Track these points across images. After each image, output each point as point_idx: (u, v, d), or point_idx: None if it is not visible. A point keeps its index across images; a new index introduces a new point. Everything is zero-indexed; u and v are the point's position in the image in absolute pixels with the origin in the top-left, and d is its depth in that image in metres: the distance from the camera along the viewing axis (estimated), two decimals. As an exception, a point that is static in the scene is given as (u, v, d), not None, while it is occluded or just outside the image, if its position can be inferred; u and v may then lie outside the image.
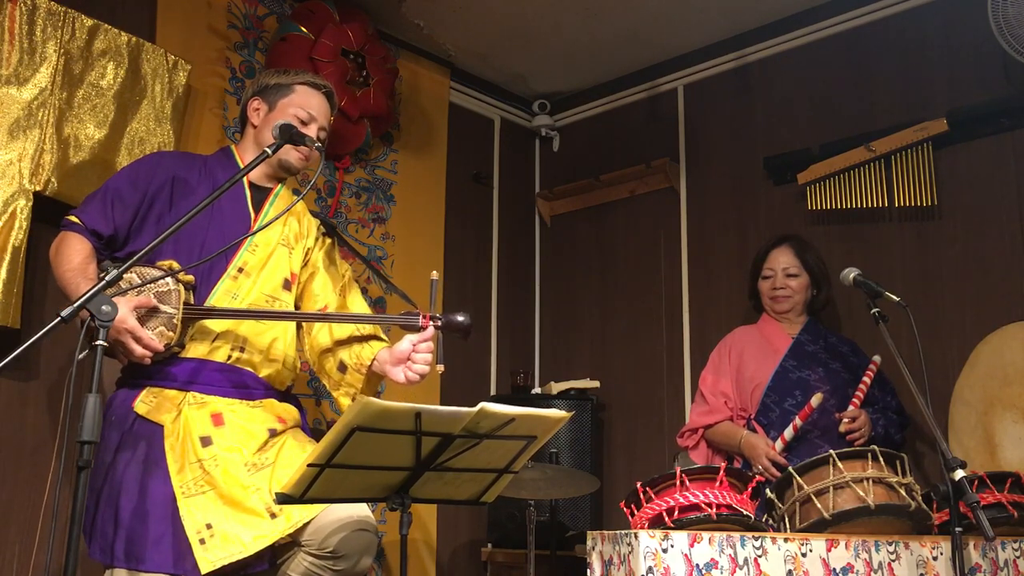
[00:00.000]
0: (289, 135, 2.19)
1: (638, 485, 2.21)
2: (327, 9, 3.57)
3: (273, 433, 2.21)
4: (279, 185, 2.48)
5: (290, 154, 2.41)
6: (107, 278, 1.75)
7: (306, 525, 2.07)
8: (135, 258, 1.84)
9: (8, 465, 2.81)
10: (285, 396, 2.39)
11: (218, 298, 2.26)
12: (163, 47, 3.17)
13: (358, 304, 2.50)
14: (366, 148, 3.88)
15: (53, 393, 2.90)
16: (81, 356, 1.72)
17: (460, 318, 2.26)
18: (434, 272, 2.27)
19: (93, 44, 2.96)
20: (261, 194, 2.44)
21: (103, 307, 1.71)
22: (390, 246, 3.97)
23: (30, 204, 2.77)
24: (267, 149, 2.14)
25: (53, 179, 2.82)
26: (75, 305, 1.68)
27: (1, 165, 2.74)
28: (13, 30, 2.80)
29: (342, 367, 2.35)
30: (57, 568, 2.08)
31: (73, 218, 2.27)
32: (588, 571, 2.03)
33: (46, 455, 2.87)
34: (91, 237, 2.25)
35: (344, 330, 2.37)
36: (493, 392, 4.34)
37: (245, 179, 2.39)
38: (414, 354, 2.23)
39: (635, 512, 2.22)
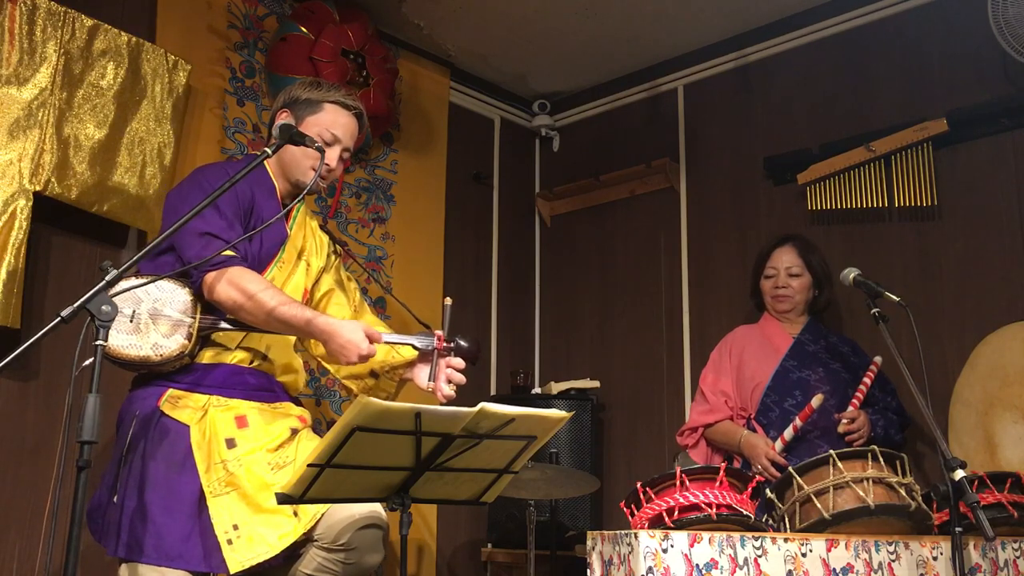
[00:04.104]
0: (289, 135, 2.17)
1: (638, 485, 2.21)
2: (327, 9, 3.57)
3: (294, 432, 2.23)
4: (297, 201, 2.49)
5: (303, 171, 2.36)
6: (107, 278, 1.74)
7: (319, 521, 2.08)
8: (136, 257, 1.84)
9: (8, 465, 2.81)
10: (295, 400, 2.42)
11: None
12: (163, 47, 3.17)
13: (372, 320, 2.54)
14: (366, 148, 3.88)
15: (53, 393, 2.90)
16: (87, 363, 1.71)
17: (473, 346, 2.33)
18: (448, 299, 2.34)
19: (93, 44, 2.96)
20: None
21: (103, 307, 1.71)
22: (390, 246, 3.97)
23: (30, 204, 2.77)
24: (267, 149, 2.12)
25: (53, 179, 2.82)
26: (75, 305, 1.68)
27: (1, 165, 2.74)
28: (13, 30, 2.80)
29: (373, 373, 2.44)
30: (57, 568, 2.08)
31: (228, 252, 2.13)
32: (588, 571, 2.03)
33: (46, 455, 2.87)
34: (242, 259, 2.20)
35: None
36: (493, 392, 4.34)
37: (278, 196, 2.39)
38: (452, 373, 2.31)
39: (635, 512, 2.22)
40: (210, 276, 2.13)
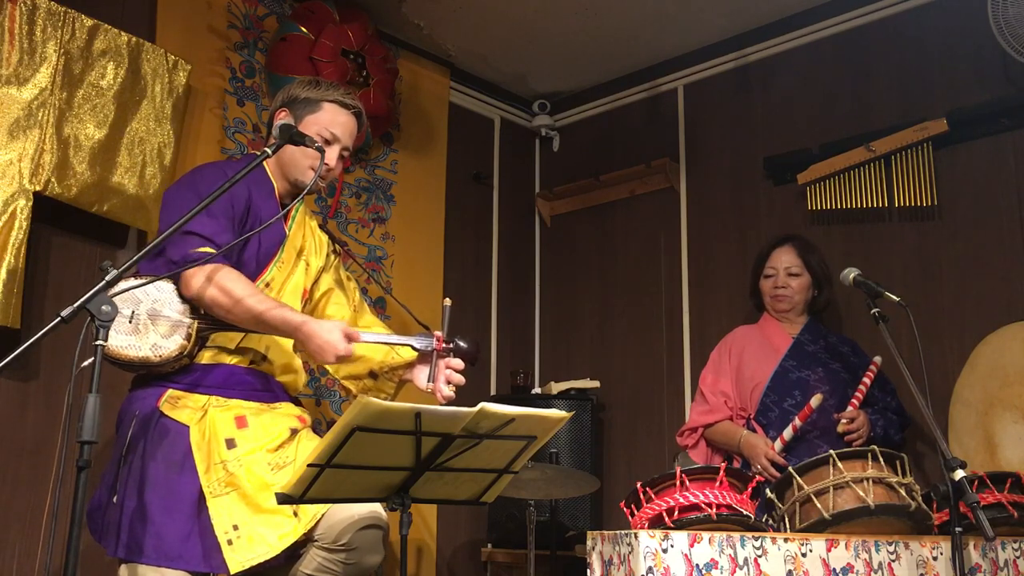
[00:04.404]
0: (288, 135, 2.16)
1: (638, 485, 2.21)
2: (327, 9, 3.57)
3: (294, 432, 2.23)
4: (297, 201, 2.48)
5: (302, 171, 2.35)
6: (107, 278, 1.74)
7: (319, 521, 2.08)
8: (135, 258, 1.84)
9: (8, 465, 2.81)
10: (294, 400, 2.42)
11: None
12: (163, 47, 3.17)
13: (371, 320, 2.53)
14: (366, 148, 3.88)
15: (53, 393, 2.90)
16: (86, 364, 1.71)
17: (472, 347, 2.31)
18: (447, 300, 2.32)
19: (93, 44, 2.96)
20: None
21: (103, 307, 1.71)
22: (390, 246, 3.97)
23: (30, 204, 2.77)
24: (267, 149, 2.12)
25: (53, 179, 2.82)
26: (75, 305, 1.68)
27: (1, 165, 2.74)
28: (13, 30, 2.80)
29: (372, 374, 2.43)
30: (57, 568, 2.08)
31: (208, 248, 2.11)
32: (588, 571, 2.03)
33: (46, 455, 2.87)
34: (226, 259, 2.17)
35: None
36: (493, 392, 4.34)
37: (277, 196, 2.38)
38: (451, 374, 2.28)
39: (635, 512, 2.22)
40: (187, 273, 2.11)
